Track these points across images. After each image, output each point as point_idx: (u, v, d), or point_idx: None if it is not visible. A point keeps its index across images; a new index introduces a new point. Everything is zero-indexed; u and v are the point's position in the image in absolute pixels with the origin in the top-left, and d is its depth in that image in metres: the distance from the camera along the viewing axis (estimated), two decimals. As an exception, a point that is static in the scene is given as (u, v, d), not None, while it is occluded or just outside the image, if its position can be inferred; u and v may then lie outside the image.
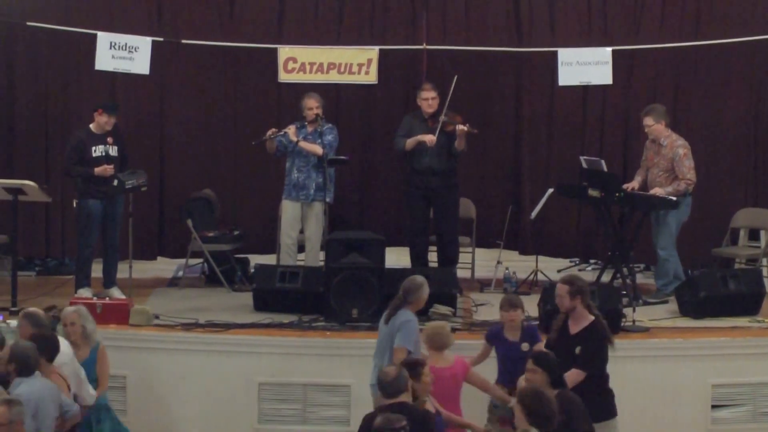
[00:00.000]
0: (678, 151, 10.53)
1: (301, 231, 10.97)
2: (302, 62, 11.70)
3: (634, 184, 10.78)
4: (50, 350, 7.41)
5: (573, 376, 7.48)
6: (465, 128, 10.52)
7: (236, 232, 11.55)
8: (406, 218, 11.25)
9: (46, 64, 11.56)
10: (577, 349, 7.65)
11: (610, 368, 7.84)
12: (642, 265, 12.02)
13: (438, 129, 10.64)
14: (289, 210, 10.91)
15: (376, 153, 11.87)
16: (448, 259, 10.94)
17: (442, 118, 10.66)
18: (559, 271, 11.80)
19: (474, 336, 9.40)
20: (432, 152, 10.67)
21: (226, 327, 9.65)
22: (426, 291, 8.25)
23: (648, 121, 10.63)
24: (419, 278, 8.32)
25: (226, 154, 11.84)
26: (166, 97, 11.76)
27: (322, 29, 11.77)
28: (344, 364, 9.32)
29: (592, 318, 7.75)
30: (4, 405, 6.43)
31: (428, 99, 10.76)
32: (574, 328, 7.77)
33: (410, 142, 10.73)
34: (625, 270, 10.59)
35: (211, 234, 11.33)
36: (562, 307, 7.80)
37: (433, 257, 11.16)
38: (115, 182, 10.20)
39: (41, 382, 7.13)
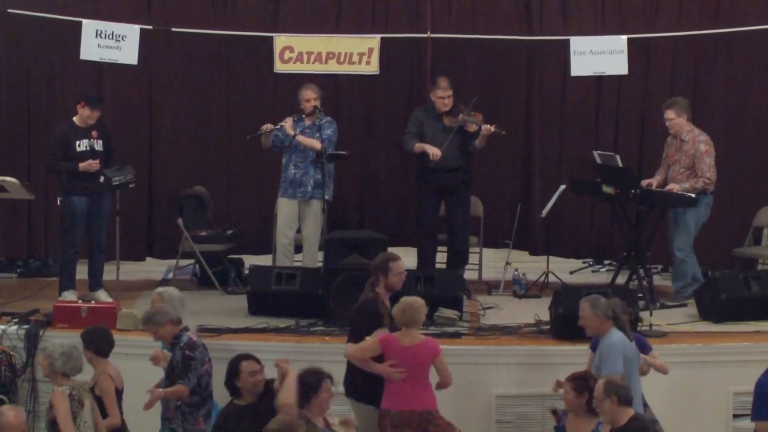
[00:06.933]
0: (699, 147, 10.54)
1: (298, 230, 10.97)
2: (299, 51, 11.73)
3: (652, 181, 10.77)
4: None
5: None
6: (491, 128, 10.65)
7: (230, 232, 11.56)
8: (414, 217, 11.31)
9: (29, 53, 11.55)
10: None
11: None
12: (659, 267, 12.02)
13: (455, 128, 10.73)
14: (285, 208, 10.91)
15: (377, 148, 11.89)
16: (460, 257, 11.02)
17: (463, 117, 10.76)
18: (571, 272, 11.86)
19: (481, 342, 9.43)
20: (447, 150, 10.73)
21: (219, 332, 9.64)
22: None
23: (669, 114, 10.63)
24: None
25: (219, 149, 11.84)
26: (155, 88, 11.76)
27: (320, 16, 11.78)
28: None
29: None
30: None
31: (444, 98, 10.85)
32: None
33: (418, 147, 10.84)
34: (641, 271, 10.59)
35: (203, 233, 11.37)
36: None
37: (439, 258, 11.20)
38: (102, 178, 10.13)
39: None
